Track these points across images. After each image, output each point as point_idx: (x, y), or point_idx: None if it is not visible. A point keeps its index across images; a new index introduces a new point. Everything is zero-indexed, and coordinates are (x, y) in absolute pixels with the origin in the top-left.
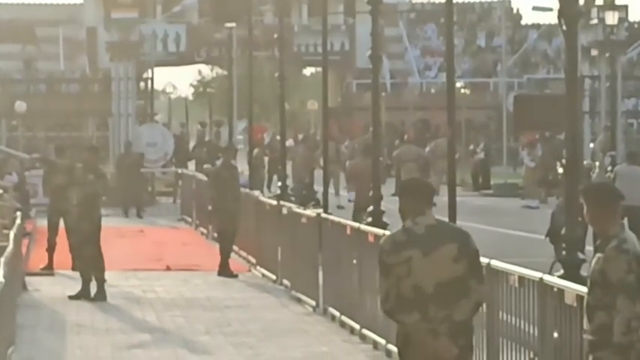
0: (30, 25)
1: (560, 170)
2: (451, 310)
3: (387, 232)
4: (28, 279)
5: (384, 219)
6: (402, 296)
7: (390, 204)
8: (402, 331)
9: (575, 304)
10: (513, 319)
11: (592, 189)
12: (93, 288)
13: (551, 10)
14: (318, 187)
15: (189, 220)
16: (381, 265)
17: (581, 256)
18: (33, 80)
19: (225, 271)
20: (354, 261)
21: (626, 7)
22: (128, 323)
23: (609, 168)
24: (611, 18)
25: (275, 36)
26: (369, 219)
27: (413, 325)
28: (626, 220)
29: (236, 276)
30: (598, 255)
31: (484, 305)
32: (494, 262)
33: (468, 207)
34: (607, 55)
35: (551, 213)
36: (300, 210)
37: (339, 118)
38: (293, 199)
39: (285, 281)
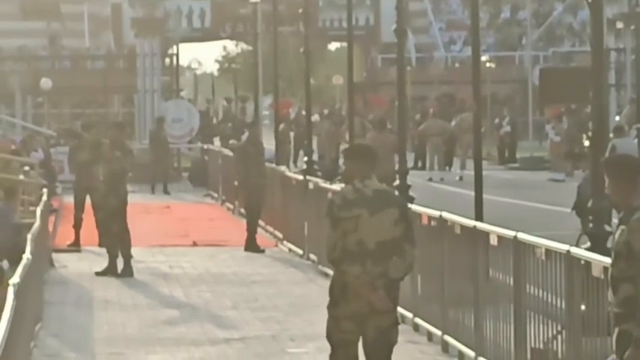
0: (55, 1)
1: (587, 143)
2: (386, 267)
3: (413, 207)
4: (55, 255)
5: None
6: (347, 249)
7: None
8: (341, 280)
9: (602, 277)
10: (540, 291)
11: (614, 161)
12: (119, 264)
13: None
14: None
15: (216, 195)
16: (331, 218)
17: (607, 228)
18: (58, 57)
19: (252, 246)
20: None
21: None
22: (155, 299)
23: (635, 141)
24: None
25: (300, 11)
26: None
27: (355, 277)
28: None
29: (263, 251)
30: (622, 227)
31: (511, 278)
32: (521, 235)
33: (494, 180)
34: (632, 27)
35: (578, 186)
36: (326, 185)
37: (364, 92)
38: (319, 173)
39: (312, 256)
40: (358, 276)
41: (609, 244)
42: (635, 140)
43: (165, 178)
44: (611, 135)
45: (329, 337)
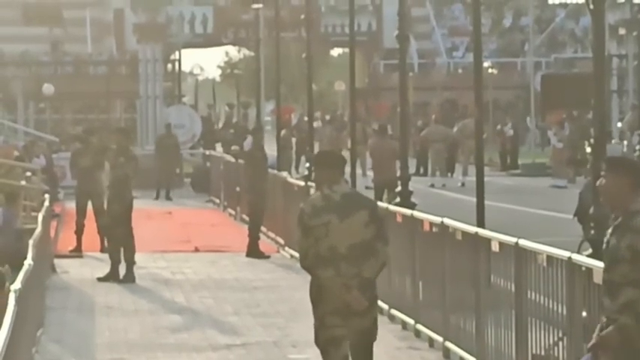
0: (57, 7)
1: (589, 149)
2: (360, 268)
3: (415, 213)
4: (56, 261)
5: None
6: (319, 254)
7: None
8: (316, 283)
9: None
10: (542, 298)
11: (619, 161)
12: (121, 270)
13: None
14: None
15: (217, 201)
16: (302, 227)
17: None
18: (60, 63)
19: (255, 252)
20: None
21: None
22: (157, 305)
23: (637, 147)
24: None
25: (302, 16)
26: (397, 199)
27: (329, 279)
28: None
29: (268, 257)
30: (621, 231)
31: (512, 284)
32: (523, 242)
33: (496, 187)
34: (634, 33)
35: (579, 192)
36: None
37: (366, 98)
38: None
39: None
40: (331, 278)
41: None
42: (638, 146)
43: (167, 184)
44: None
45: (317, 339)
